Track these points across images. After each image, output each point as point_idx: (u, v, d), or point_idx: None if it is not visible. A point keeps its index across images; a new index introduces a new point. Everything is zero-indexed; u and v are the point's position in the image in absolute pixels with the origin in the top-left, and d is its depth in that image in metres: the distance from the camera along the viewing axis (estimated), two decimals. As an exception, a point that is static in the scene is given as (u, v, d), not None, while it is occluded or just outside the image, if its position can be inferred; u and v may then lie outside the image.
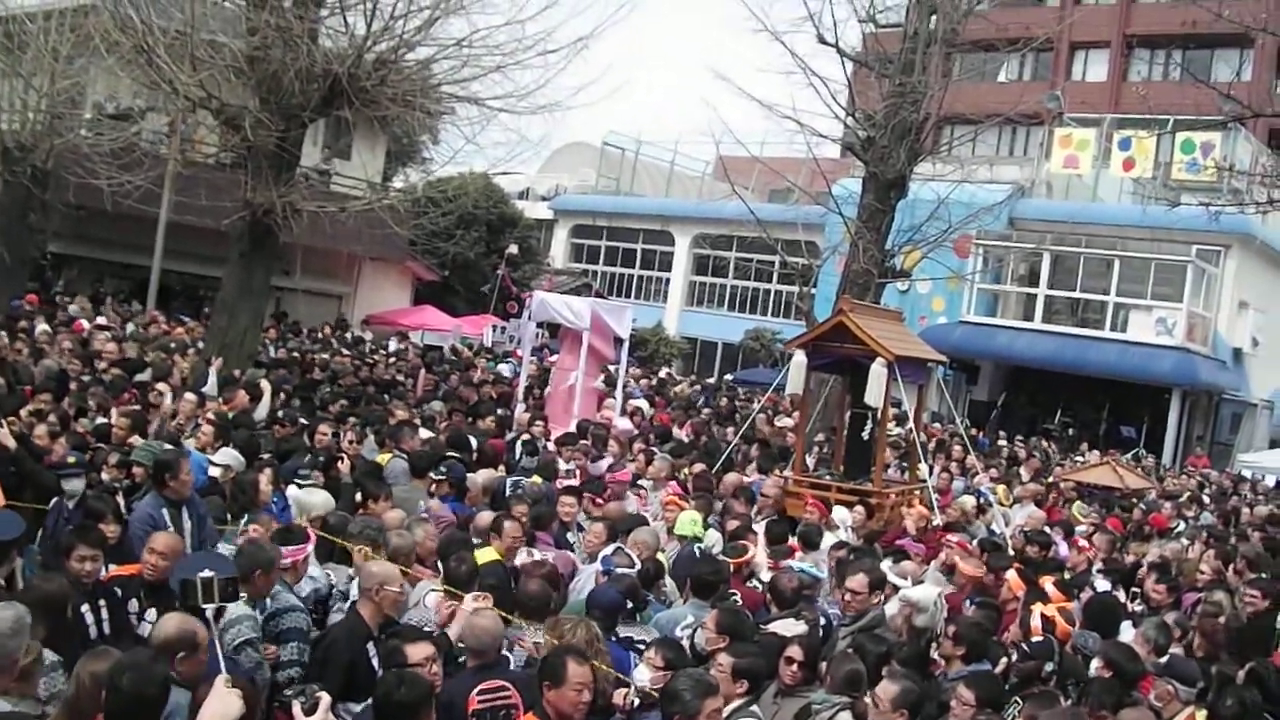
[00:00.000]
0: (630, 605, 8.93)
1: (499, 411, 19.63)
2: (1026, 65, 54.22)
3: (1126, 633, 10.26)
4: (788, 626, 8.86)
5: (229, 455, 11.87)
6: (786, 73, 23.61)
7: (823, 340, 16.16)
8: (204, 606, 6.52)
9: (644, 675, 7.38)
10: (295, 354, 24.62)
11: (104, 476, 11.26)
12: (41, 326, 21.25)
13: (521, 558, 9.98)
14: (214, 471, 11.28)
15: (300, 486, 10.95)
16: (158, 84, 19.59)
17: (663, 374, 37.82)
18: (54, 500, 10.36)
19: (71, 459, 10.82)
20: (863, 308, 17.39)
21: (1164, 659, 9.41)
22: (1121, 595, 12.59)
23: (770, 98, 24.25)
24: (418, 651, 6.84)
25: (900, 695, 7.26)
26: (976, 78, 36.32)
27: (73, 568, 7.97)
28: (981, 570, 11.59)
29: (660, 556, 10.69)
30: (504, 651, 7.60)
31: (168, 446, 11.21)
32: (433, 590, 8.65)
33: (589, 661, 6.76)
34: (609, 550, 10.04)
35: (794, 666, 7.85)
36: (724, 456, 17.90)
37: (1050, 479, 23.07)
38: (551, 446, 16.51)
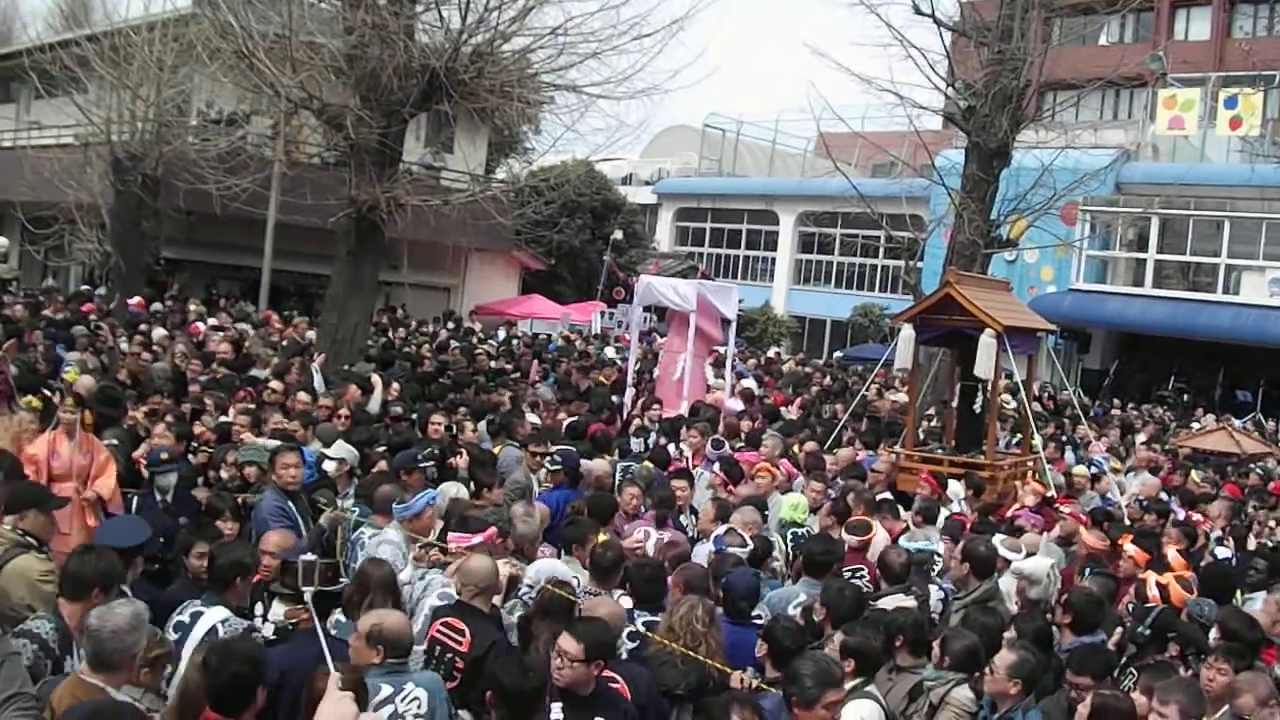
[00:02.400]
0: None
1: (612, 398, 19.71)
2: (1128, 26, 53.39)
3: (1256, 602, 10.11)
4: (896, 602, 8.86)
5: (343, 449, 12.01)
6: (884, 45, 23.50)
7: (930, 313, 16.05)
8: (303, 589, 6.65)
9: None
10: (407, 347, 24.84)
11: (223, 475, 11.46)
12: (159, 330, 21.63)
13: (651, 544, 10.05)
14: (328, 466, 11.40)
15: (413, 471, 11.03)
16: (260, 87, 19.89)
17: (770, 353, 37.75)
18: (136, 497, 10.58)
19: (164, 455, 10.86)
20: (969, 279, 17.25)
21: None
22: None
23: (868, 71, 24.10)
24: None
25: (1016, 665, 7.25)
26: (1077, 41, 35.88)
27: (191, 564, 8.14)
28: (1104, 541, 11.49)
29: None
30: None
31: (274, 443, 11.36)
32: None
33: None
34: (721, 530, 10.07)
35: (898, 642, 7.84)
36: (835, 434, 17.83)
37: (1166, 446, 22.80)
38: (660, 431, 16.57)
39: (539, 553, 9.31)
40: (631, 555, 9.34)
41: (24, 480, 9.12)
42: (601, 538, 9.37)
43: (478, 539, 8.47)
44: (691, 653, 7.32)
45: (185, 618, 7.31)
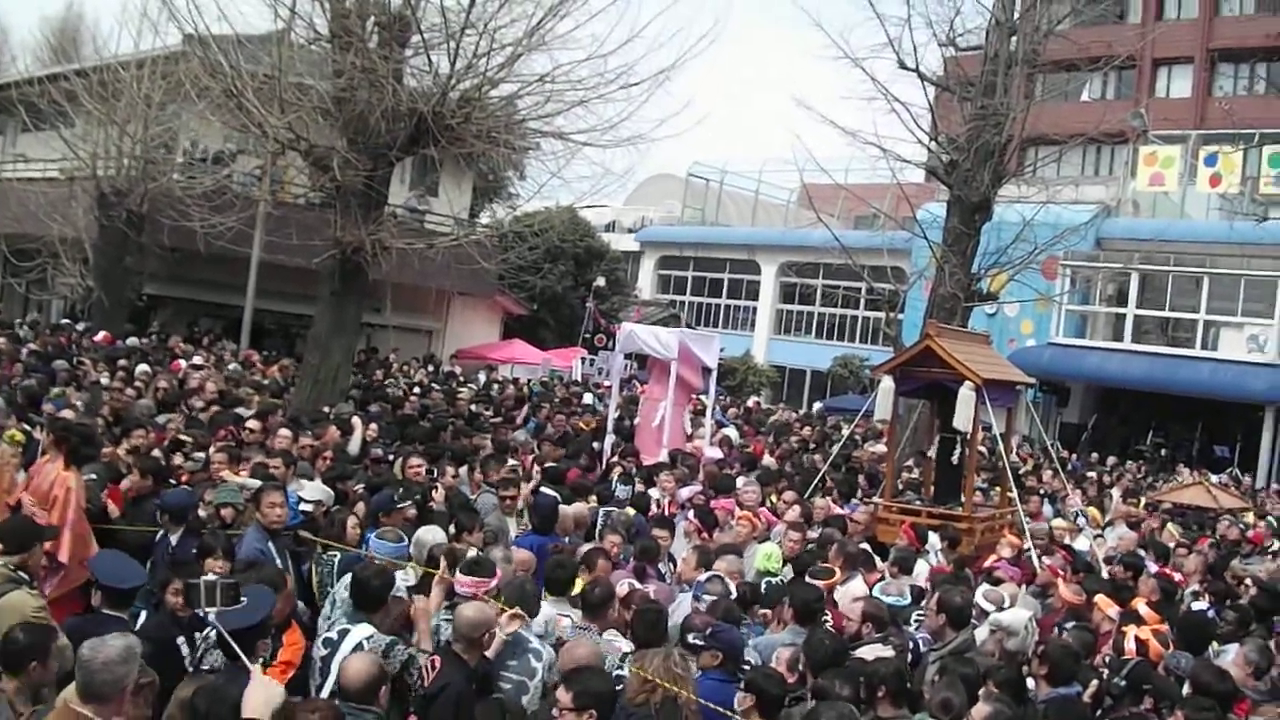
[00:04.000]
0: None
1: (592, 444, 19.75)
2: (1110, 83, 53.77)
3: (1229, 655, 10.16)
4: (876, 651, 8.89)
5: (319, 490, 12.01)
6: (868, 99, 23.76)
7: (910, 365, 16.12)
8: (206, 610, 6.73)
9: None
10: (389, 389, 24.84)
11: (201, 514, 11.45)
12: (141, 366, 21.61)
13: (622, 590, 10.06)
14: (305, 506, 11.40)
15: (392, 513, 11.07)
16: (247, 127, 19.98)
17: (750, 403, 37.79)
18: (160, 534, 10.57)
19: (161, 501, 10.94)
20: (949, 331, 17.37)
21: (1260, 682, 9.30)
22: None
23: (852, 124, 24.38)
24: None
25: (992, 716, 7.26)
26: (1060, 98, 36.15)
27: (169, 601, 8.17)
28: (1082, 595, 11.53)
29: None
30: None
31: (253, 483, 11.37)
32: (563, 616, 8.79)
33: None
34: (702, 577, 10.09)
35: (880, 693, 7.86)
36: (814, 483, 17.87)
37: (1142, 500, 22.88)
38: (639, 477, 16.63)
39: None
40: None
41: (21, 517, 9.13)
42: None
43: (494, 584, 8.44)
44: (676, 695, 7.31)
45: (333, 635, 7.84)
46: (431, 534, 10.23)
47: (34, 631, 6.67)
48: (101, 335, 25.80)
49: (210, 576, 6.96)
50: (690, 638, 8.23)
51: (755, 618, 10.13)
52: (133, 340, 25.84)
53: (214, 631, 6.98)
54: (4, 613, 7.50)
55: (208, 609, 6.73)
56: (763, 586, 11.12)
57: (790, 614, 9.62)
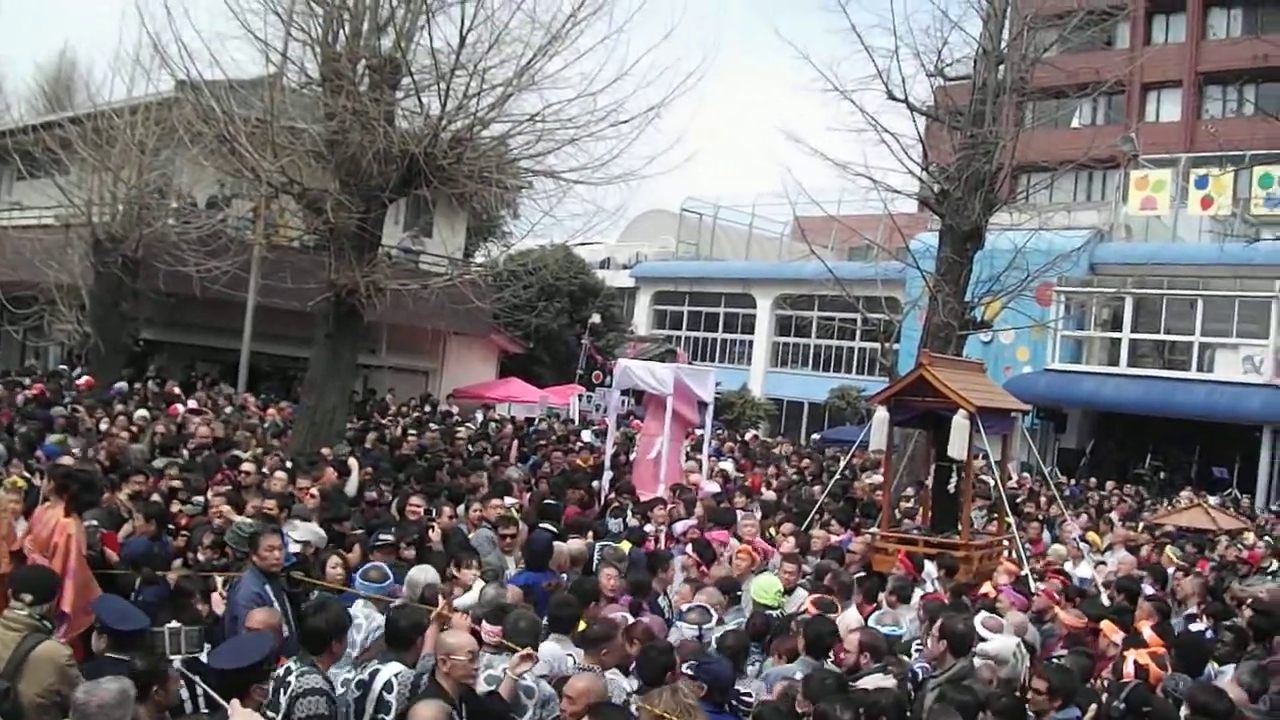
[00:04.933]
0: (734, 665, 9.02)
1: (591, 483, 19.78)
2: (1099, 109, 53.98)
3: (1227, 676, 10.18)
4: (876, 682, 8.91)
5: (309, 531, 12.06)
6: (858, 130, 23.83)
7: (904, 395, 16.14)
8: (170, 657, 6.77)
9: None
10: (386, 429, 24.86)
11: (200, 557, 11.50)
12: (140, 411, 21.66)
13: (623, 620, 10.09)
14: (293, 547, 11.43)
15: (384, 548, 11.15)
16: (240, 171, 20.06)
17: (748, 436, 37.81)
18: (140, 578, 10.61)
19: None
20: (942, 360, 17.40)
21: (1258, 704, 9.31)
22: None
23: (843, 156, 24.29)
24: None
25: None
26: (1050, 125, 36.33)
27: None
28: (1083, 620, 11.54)
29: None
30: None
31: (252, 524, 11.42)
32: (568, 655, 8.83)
33: None
34: (684, 607, 10.10)
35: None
36: (811, 515, 17.89)
37: (1141, 524, 22.91)
38: (635, 512, 16.70)
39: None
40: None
41: (41, 566, 9.18)
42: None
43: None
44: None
45: (365, 676, 7.90)
46: (424, 574, 10.26)
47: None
48: (84, 380, 25.88)
49: (174, 624, 7.03)
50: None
51: (773, 650, 10.16)
52: (121, 385, 25.86)
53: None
54: (40, 663, 7.62)
55: (171, 655, 6.80)
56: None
57: (803, 646, 9.63)
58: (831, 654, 9.69)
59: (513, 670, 7.83)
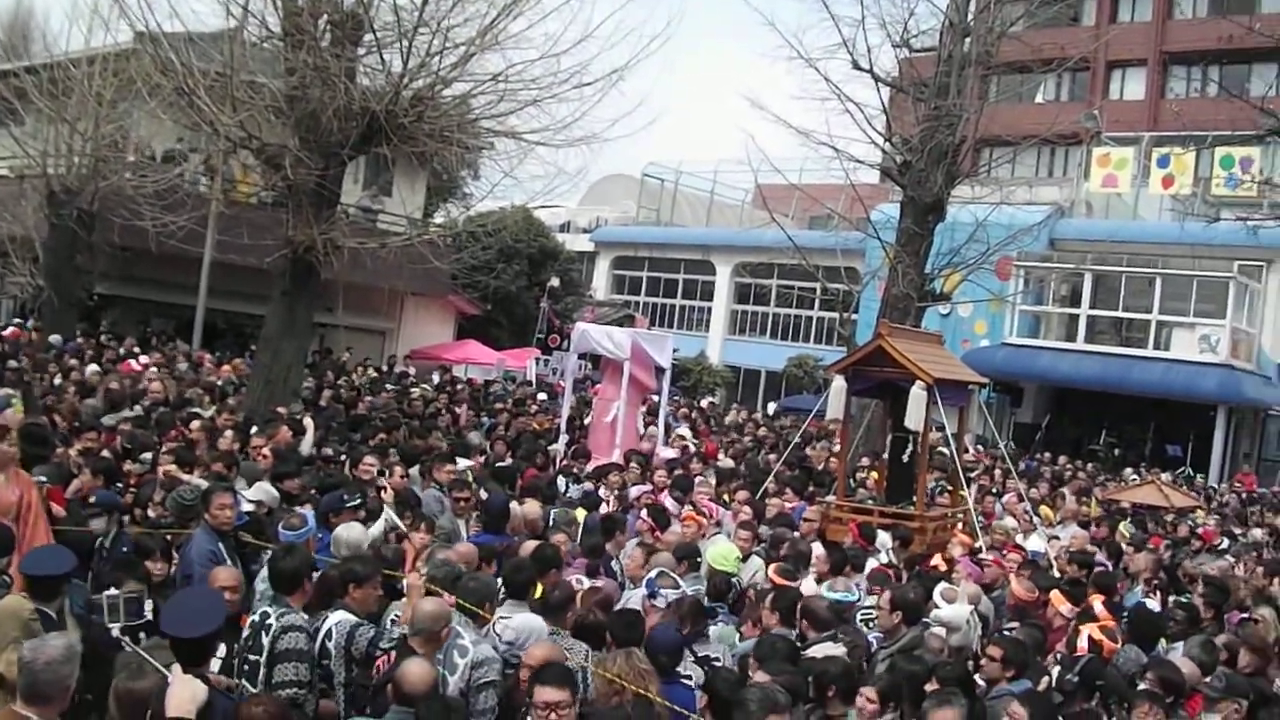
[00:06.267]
0: (695, 629, 9.05)
1: (544, 444, 19.72)
2: (1064, 85, 54.18)
3: (1178, 651, 10.23)
4: (826, 650, 8.90)
5: (262, 490, 11.97)
6: (822, 99, 23.77)
7: (862, 365, 16.14)
8: (110, 626, 6.72)
9: None
10: (340, 389, 24.71)
11: (150, 514, 11.39)
12: (91, 367, 21.46)
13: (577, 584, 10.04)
14: (246, 506, 11.34)
15: (341, 512, 11.05)
16: (199, 125, 19.81)
17: (704, 403, 37.81)
18: (98, 538, 10.50)
19: (91, 498, 11.02)
20: (901, 331, 17.41)
21: (1210, 678, 9.34)
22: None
23: (807, 124, 24.23)
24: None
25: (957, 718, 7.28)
26: (1014, 99, 36.38)
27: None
28: (1034, 592, 11.56)
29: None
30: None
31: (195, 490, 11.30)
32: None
33: None
34: (653, 574, 10.06)
35: (830, 692, 7.89)
36: (765, 483, 17.87)
37: (1094, 500, 23.01)
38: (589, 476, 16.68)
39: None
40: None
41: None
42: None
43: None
44: (646, 693, 7.31)
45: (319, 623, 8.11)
46: (349, 531, 10.15)
47: None
48: (9, 330, 25.75)
49: (112, 592, 6.98)
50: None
51: (744, 619, 10.17)
52: (55, 337, 25.62)
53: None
54: (3, 618, 7.49)
55: (111, 624, 6.73)
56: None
57: (776, 619, 9.60)
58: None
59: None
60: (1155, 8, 53.82)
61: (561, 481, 16.44)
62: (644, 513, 13.83)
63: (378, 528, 11.40)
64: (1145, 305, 42.26)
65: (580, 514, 13.69)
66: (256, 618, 7.90)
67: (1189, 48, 50.31)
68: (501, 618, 8.57)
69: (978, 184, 27.39)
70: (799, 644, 9.15)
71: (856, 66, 23.98)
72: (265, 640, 7.67)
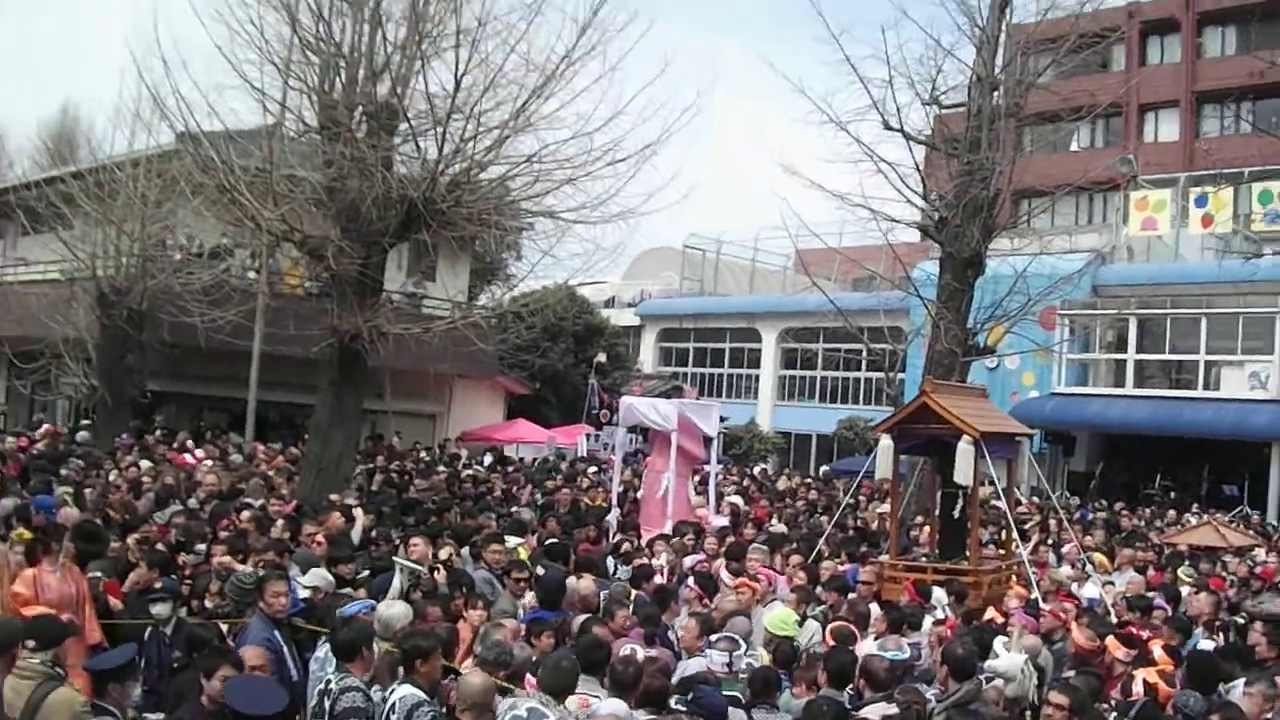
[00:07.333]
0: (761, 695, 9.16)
1: (602, 520, 19.76)
2: (1098, 132, 54.22)
3: (1237, 690, 10.16)
4: (879, 710, 8.92)
5: (318, 576, 12.08)
6: (854, 161, 23.76)
7: (908, 423, 16.18)
8: None
9: None
10: (393, 474, 24.84)
11: (207, 604, 11.54)
12: (144, 463, 21.70)
13: (639, 655, 10.04)
14: (302, 593, 11.45)
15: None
16: (242, 221, 20.12)
17: (757, 470, 37.78)
18: (149, 629, 10.65)
19: (158, 584, 11.23)
20: (945, 387, 17.44)
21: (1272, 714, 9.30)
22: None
23: (842, 187, 24.21)
24: None
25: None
26: (1048, 149, 36.48)
27: (212, 687, 8.07)
28: (1095, 640, 11.53)
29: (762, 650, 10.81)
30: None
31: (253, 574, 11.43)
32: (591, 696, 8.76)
33: None
34: (714, 638, 10.08)
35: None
36: (818, 546, 17.84)
37: (1149, 544, 22.84)
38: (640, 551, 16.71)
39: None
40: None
41: (47, 617, 9.22)
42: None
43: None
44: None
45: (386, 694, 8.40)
46: (390, 609, 10.19)
47: None
48: (44, 429, 26.18)
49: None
50: (674, 701, 8.29)
51: (796, 681, 10.17)
52: (84, 435, 26.04)
53: None
54: (56, 709, 7.69)
55: None
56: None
57: (825, 679, 9.61)
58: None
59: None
60: (1184, 48, 53.95)
61: (610, 562, 16.39)
62: (691, 580, 13.88)
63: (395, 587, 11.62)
64: (1192, 346, 42.02)
65: (625, 586, 13.66)
66: (321, 685, 8.42)
67: (1219, 86, 50.34)
68: (589, 695, 8.60)
69: (1017, 235, 27.42)
70: (852, 705, 9.17)
71: (888, 126, 24.02)
72: (327, 704, 8.19)
